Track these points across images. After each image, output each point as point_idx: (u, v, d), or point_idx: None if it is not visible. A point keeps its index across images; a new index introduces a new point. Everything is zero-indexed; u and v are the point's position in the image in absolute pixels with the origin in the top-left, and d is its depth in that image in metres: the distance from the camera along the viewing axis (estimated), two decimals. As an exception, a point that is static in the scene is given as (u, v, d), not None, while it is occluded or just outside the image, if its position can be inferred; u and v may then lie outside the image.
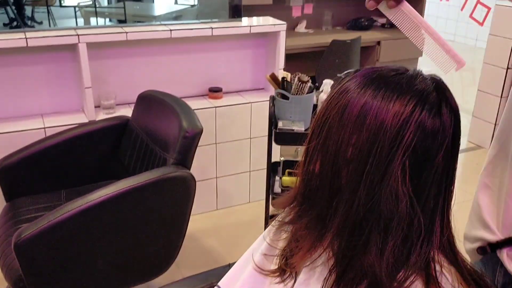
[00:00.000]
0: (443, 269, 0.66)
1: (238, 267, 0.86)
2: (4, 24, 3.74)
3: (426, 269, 0.65)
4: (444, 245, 0.68)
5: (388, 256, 0.64)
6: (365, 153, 0.63)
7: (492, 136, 3.67)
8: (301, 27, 3.62)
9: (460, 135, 0.66)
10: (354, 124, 0.63)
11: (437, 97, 0.64)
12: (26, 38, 1.98)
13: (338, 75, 1.90)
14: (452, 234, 0.69)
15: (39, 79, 2.20)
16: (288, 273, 0.78)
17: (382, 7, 0.75)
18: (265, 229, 2.20)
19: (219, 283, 0.87)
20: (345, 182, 0.65)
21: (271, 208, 2.01)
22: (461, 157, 3.41)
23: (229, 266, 1.03)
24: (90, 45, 2.11)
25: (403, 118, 0.61)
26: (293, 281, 0.77)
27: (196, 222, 2.36)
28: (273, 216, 2.10)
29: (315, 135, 0.69)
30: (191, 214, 1.68)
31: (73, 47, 2.15)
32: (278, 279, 0.79)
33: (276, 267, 0.80)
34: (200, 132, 1.59)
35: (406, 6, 0.75)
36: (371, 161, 0.62)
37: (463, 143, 3.61)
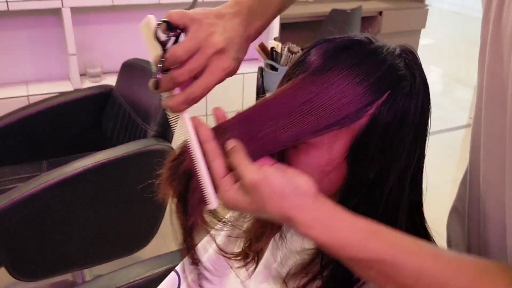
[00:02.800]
0: None
1: (200, 247, 0.81)
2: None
3: None
4: (410, 233, 0.62)
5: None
6: None
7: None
8: (301, -4, 3.49)
9: (427, 114, 0.58)
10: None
11: (408, 76, 0.56)
12: (7, 1, 1.89)
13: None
14: (421, 221, 0.63)
15: (22, 44, 2.13)
16: (251, 257, 0.73)
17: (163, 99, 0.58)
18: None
19: (177, 268, 0.82)
20: None
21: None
22: (461, 133, 3.33)
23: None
24: (74, 10, 2.02)
25: (364, 105, 0.54)
26: (255, 265, 0.73)
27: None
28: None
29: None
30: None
31: (56, 12, 2.07)
32: (240, 263, 0.74)
33: (239, 250, 0.75)
34: (182, 103, 1.52)
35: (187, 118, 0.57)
36: None
37: (464, 118, 3.52)
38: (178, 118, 0.57)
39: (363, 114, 0.54)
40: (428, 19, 3.55)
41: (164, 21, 0.55)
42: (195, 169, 0.55)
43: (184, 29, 0.56)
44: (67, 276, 1.86)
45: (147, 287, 1.02)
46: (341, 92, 0.53)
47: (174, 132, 0.57)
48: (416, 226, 0.63)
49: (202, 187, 0.55)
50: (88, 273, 1.83)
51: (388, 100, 0.55)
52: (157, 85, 0.55)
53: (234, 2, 0.63)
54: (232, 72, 0.59)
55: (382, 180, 0.57)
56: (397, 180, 0.58)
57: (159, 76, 0.55)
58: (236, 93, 2.39)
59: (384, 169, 0.57)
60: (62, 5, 1.98)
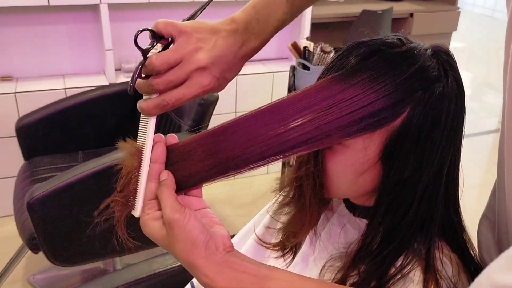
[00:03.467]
0: (444, 257, 0.62)
1: (238, 239, 0.84)
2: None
3: (426, 257, 0.60)
4: (447, 231, 0.64)
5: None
6: None
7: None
8: (331, -4, 3.49)
9: (461, 114, 0.59)
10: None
11: (441, 77, 0.57)
12: (48, -3, 1.96)
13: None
14: (458, 219, 0.65)
15: (61, 39, 2.19)
16: (289, 249, 0.76)
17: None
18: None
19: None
20: None
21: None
22: (490, 137, 3.29)
23: (232, 237, 1.02)
24: (111, 6, 2.08)
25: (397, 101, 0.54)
26: (292, 256, 0.75)
27: (213, 190, 2.36)
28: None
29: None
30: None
31: (94, 8, 2.13)
32: (278, 253, 0.77)
33: (277, 241, 0.78)
34: (215, 100, 1.56)
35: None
36: None
37: (494, 123, 3.48)
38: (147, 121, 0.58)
39: (395, 115, 0.54)
40: (459, 22, 3.51)
41: (148, 29, 0.56)
42: (139, 174, 0.57)
43: (173, 40, 0.57)
44: (99, 264, 1.92)
45: (183, 274, 1.05)
46: (366, 92, 0.52)
47: (139, 132, 0.58)
48: (454, 224, 0.64)
49: (136, 193, 0.57)
50: (119, 261, 1.88)
51: (420, 101, 0.55)
52: (130, 89, 0.57)
53: (231, 20, 0.61)
54: (212, 90, 0.59)
55: (417, 179, 0.58)
56: (432, 179, 0.59)
57: (132, 81, 0.56)
58: (266, 91, 2.41)
59: (418, 168, 0.58)
60: (100, 2, 2.03)
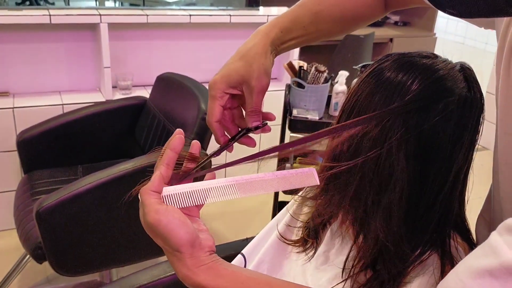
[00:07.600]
0: (458, 245, 0.70)
1: (261, 236, 0.91)
2: (17, 4, 3.75)
3: (442, 246, 0.68)
4: (458, 223, 0.72)
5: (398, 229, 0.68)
6: None
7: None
8: (315, 21, 3.64)
9: (480, 121, 0.68)
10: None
11: (464, 84, 0.66)
12: (50, 15, 2.02)
13: (354, 67, 1.94)
14: (465, 212, 0.73)
15: (59, 56, 2.24)
16: (310, 244, 0.83)
17: None
18: (272, 216, 2.22)
19: (243, 251, 0.91)
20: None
21: (280, 194, 2.06)
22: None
23: (247, 240, 1.08)
24: (110, 26, 2.15)
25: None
26: (313, 251, 0.82)
27: (204, 206, 2.40)
28: (282, 202, 2.12)
29: (344, 114, 0.72)
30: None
31: (94, 27, 2.19)
32: (300, 249, 0.84)
33: (297, 238, 0.85)
34: (218, 115, 1.63)
35: None
36: None
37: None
38: None
39: (431, 118, 0.63)
40: (435, 48, 3.70)
41: None
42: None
43: None
44: (95, 277, 1.93)
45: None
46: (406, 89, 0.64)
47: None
48: (462, 217, 0.73)
49: None
50: (115, 274, 1.91)
51: (457, 106, 0.64)
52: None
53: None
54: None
55: (445, 175, 0.67)
56: (454, 177, 0.67)
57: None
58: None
59: (446, 167, 0.66)
60: (101, 21, 2.10)
